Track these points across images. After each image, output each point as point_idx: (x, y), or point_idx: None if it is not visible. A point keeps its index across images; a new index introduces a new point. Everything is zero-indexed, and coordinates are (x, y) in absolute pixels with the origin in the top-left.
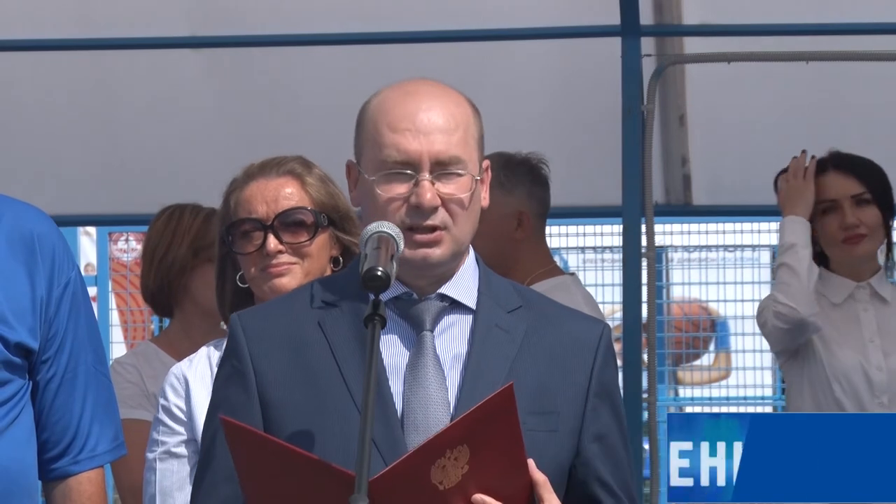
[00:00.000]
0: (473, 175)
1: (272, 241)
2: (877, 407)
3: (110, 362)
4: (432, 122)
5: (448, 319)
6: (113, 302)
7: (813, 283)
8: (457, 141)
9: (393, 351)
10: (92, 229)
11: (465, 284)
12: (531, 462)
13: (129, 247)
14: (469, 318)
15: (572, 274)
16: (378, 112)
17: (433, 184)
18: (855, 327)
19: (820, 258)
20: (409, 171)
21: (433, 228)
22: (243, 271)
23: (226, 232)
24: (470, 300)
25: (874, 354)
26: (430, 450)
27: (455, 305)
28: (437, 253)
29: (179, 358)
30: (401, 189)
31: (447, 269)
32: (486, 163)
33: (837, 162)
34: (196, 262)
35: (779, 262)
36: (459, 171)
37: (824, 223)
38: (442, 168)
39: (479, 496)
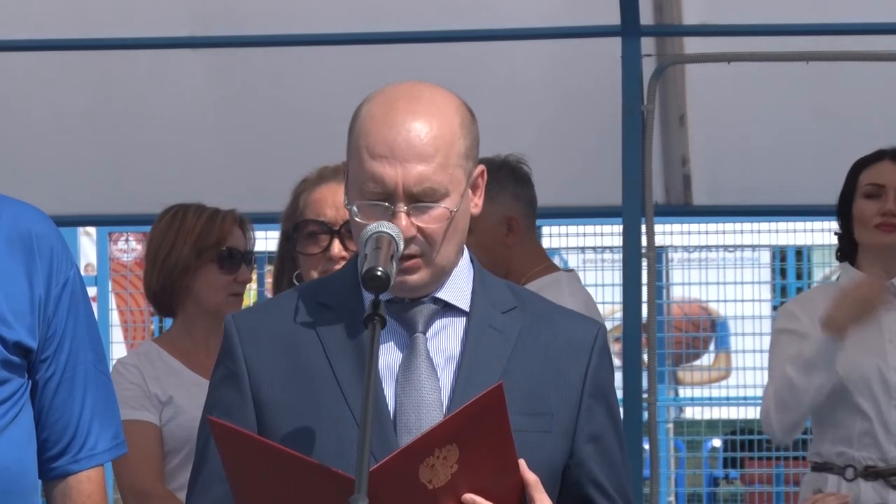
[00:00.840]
0: (449, 208)
1: (337, 246)
2: (894, 410)
3: (112, 362)
4: (410, 146)
5: (441, 322)
6: (113, 302)
7: (808, 407)
8: (434, 169)
9: (386, 353)
10: (92, 229)
11: (458, 287)
12: (522, 462)
13: (130, 247)
14: (463, 320)
15: (570, 270)
16: (361, 131)
17: (409, 214)
18: (875, 327)
19: (847, 255)
20: (385, 203)
21: (410, 256)
22: (302, 271)
23: (292, 230)
24: (463, 302)
25: (892, 356)
26: (417, 449)
27: (448, 308)
28: (413, 278)
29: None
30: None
31: (432, 289)
32: (480, 169)
33: (895, 155)
34: (199, 263)
35: (794, 365)
36: (432, 204)
37: (863, 206)
38: (415, 200)
39: (469, 496)
